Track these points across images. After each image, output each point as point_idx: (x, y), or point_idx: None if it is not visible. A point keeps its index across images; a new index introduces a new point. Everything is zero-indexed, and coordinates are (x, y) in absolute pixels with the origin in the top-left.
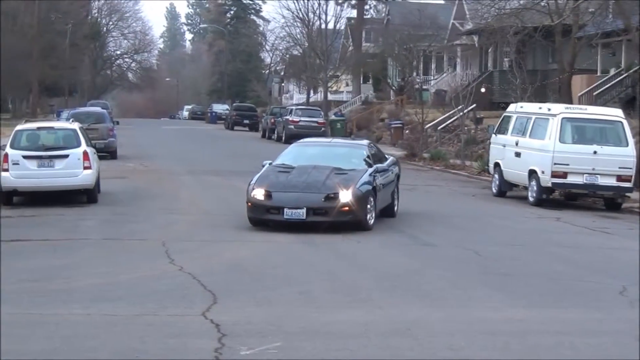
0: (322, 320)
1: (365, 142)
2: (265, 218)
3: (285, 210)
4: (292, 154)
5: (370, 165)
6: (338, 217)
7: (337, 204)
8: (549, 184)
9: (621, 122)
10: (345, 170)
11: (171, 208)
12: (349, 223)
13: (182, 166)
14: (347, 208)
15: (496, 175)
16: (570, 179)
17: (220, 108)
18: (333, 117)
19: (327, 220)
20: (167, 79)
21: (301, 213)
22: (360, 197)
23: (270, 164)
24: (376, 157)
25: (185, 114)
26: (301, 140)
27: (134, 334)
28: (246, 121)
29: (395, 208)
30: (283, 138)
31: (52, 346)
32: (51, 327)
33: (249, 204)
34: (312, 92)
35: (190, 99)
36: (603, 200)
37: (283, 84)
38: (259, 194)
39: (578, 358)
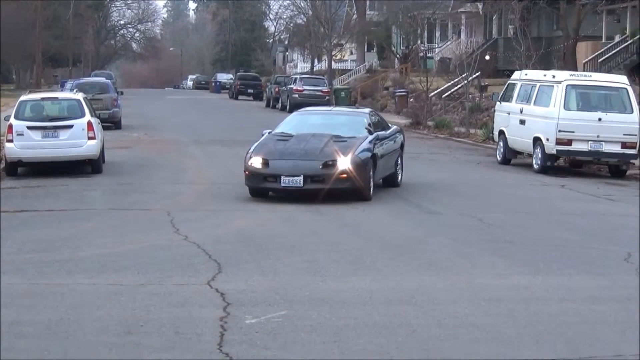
0: (327, 289)
1: (367, 110)
2: (262, 186)
3: (282, 177)
4: (292, 123)
5: (370, 133)
6: (336, 185)
7: (335, 171)
8: (554, 151)
9: (626, 89)
10: (345, 138)
11: (176, 178)
12: (348, 191)
13: (187, 136)
14: (345, 175)
15: (501, 143)
16: (575, 146)
17: (224, 77)
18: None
19: (325, 188)
20: (171, 49)
21: (298, 180)
22: (359, 164)
23: (269, 132)
24: (378, 126)
25: (190, 83)
26: (302, 109)
27: (139, 304)
28: (250, 90)
29: (399, 177)
30: (288, 107)
31: (58, 316)
32: (57, 297)
33: (247, 172)
34: (316, 60)
35: (194, 68)
36: (607, 168)
37: (287, 53)
38: (256, 162)
39: (583, 325)
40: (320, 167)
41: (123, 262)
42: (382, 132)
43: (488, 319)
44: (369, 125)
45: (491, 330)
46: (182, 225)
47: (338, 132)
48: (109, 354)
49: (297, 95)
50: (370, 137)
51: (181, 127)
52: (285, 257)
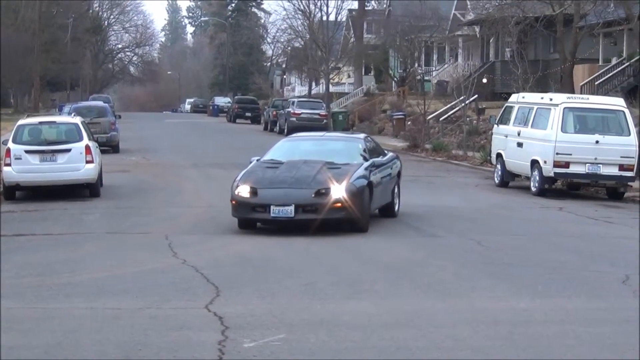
0: (325, 312)
1: (362, 135)
2: (250, 217)
3: (272, 207)
4: (283, 150)
5: (366, 160)
6: (330, 215)
7: (329, 200)
8: (552, 174)
9: (623, 111)
10: (338, 165)
11: (174, 201)
12: (343, 222)
13: (185, 159)
14: (339, 204)
15: (498, 166)
16: (573, 169)
17: (222, 101)
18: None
19: (318, 218)
20: (169, 73)
21: (289, 210)
22: (355, 193)
23: (258, 160)
24: (374, 152)
25: (187, 107)
26: (292, 135)
27: (137, 328)
28: (248, 114)
29: (396, 207)
30: (285, 130)
31: (56, 340)
32: (55, 321)
33: (233, 202)
34: (313, 84)
35: (192, 92)
36: (605, 190)
37: (285, 77)
38: (243, 190)
39: (582, 347)
40: (313, 195)
41: (121, 285)
42: (378, 159)
43: (487, 341)
44: (364, 151)
45: (490, 352)
46: (180, 249)
47: (331, 158)
48: None
49: (294, 119)
50: (366, 164)
51: (179, 150)
52: (284, 280)
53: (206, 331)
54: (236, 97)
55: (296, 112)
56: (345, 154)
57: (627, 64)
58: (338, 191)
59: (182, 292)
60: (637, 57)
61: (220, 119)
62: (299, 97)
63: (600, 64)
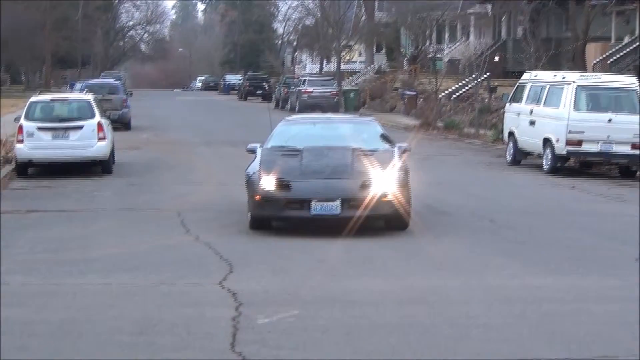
0: (339, 289)
1: (371, 118)
2: (282, 215)
3: (313, 203)
4: (287, 135)
5: (391, 144)
6: (377, 211)
7: (377, 194)
8: (564, 152)
9: (636, 90)
10: (368, 152)
11: (186, 178)
12: (389, 219)
13: (196, 137)
14: (388, 198)
15: (510, 144)
16: (585, 147)
17: (233, 79)
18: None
19: (363, 215)
20: (180, 50)
21: (335, 206)
22: (403, 184)
23: (260, 147)
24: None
25: (198, 84)
26: (290, 118)
27: (151, 304)
28: (259, 91)
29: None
30: (297, 108)
31: (71, 316)
32: (69, 297)
33: (257, 197)
34: (325, 62)
35: (203, 69)
36: (617, 168)
37: (296, 54)
38: (269, 184)
39: (596, 325)
40: (359, 188)
41: (135, 262)
42: (402, 144)
43: (500, 319)
44: (384, 135)
45: (503, 330)
46: (193, 226)
47: (352, 143)
48: (122, 353)
49: (305, 97)
50: (397, 150)
51: (190, 127)
52: (297, 258)
53: (220, 307)
54: (247, 74)
55: (307, 90)
56: (365, 138)
57: None
58: (386, 183)
59: (196, 269)
60: None
61: (231, 96)
62: (310, 75)
63: (612, 42)
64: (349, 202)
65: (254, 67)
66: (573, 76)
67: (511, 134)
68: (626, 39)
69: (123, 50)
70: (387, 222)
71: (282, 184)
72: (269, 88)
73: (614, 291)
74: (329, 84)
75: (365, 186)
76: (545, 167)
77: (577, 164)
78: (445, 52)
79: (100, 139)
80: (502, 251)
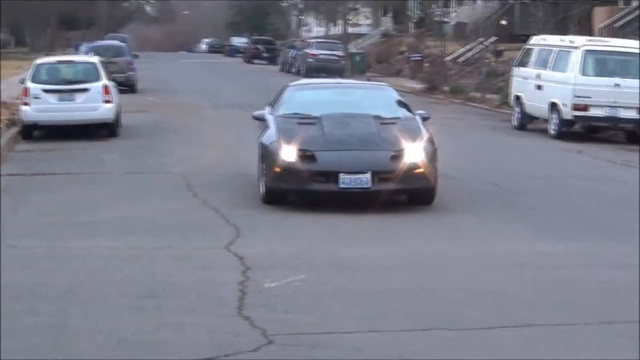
0: (347, 254)
1: (385, 83)
2: (306, 189)
3: (342, 176)
4: (298, 101)
5: (411, 112)
6: (408, 184)
7: (408, 166)
8: (570, 117)
9: None
10: (391, 120)
11: (193, 141)
12: (420, 193)
13: (203, 100)
14: (420, 170)
15: (517, 108)
16: (592, 112)
17: (239, 41)
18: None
19: (396, 189)
20: (185, 12)
21: (365, 180)
22: (432, 156)
23: (271, 114)
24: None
25: (204, 47)
26: (298, 83)
27: (159, 267)
28: (265, 54)
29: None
30: (303, 71)
31: (79, 279)
32: (77, 260)
33: (277, 169)
34: (331, 25)
35: (208, 32)
36: (624, 133)
37: (302, 17)
38: (290, 154)
39: (605, 291)
40: (390, 159)
41: (142, 225)
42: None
43: (510, 285)
44: (401, 102)
45: (513, 295)
46: (200, 189)
47: (371, 110)
48: (131, 316)
49: (312, 60)
50: (419, 119)
51: (196, 90)
52: (305, 223)
53: (227, 271)
54: (253, 37)
55: (314, 53)
56: (382, 105)
57: None
58: (416, 153)
59: (203, 233)
60: None
61: (237, 59)
62: (316, 38)
63: (620, 6)
64: (380, 174)
65: (260, 30)
66: (581, 40)
67: (518, 98)
68: (634, 3)
69: (128, 12)
70: (413, 196)
71: (306, 155)
72: (275, 51)
73: (622, 257)
74: (335, 47)
75: (396, 157)
76: (552, 131)
77: (583, 129)
78: (452, 15)
79: (106, 101)
80: (511, 216)
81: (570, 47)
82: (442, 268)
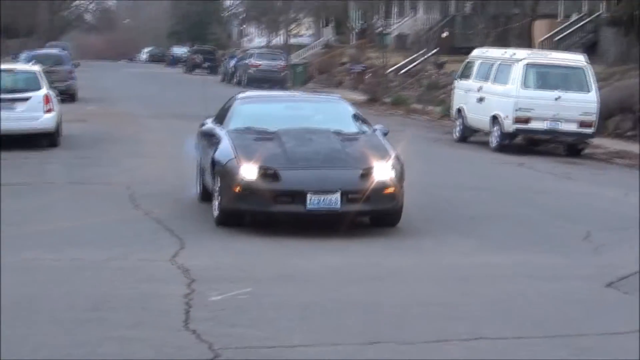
0: (294, 266)
1: (337, 95)
2: (269, 210)
3: (309, 196)
4: (249, 115)
5: (369, 126)
6: (378, 205)
7: (377, 185)
8: (512, 129)
9: (584, 68)
10: (352, 135)
11: (134, 151)
12: (389, 215)
13: (144, 109)
14: (391, 190)
15: (459, 121)
16: (533, 125)
17: (180, 51)
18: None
19: (366, 211)
20: (126, 21)
21: (334, 200)
22: (401, 174)
23: (221, 129)
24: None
25: (145, 56)
26: (246, 95)
27: (104, 279)
28: (206, 64)
29: None
30: (245, 82)
31: (24, 291)
32: (20, 273)
33: (236, 189)
34: (272, 35)
35: (149, 41)
36: (564, 146)
37: (243, 27)
38: (251, 172)
39: (549, 303)
40: (359, 178)
41: (85, 236)
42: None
43: (456, 297)
44: (357, 115)
45: (460, 308)
46: (143, 200)
47: (327, 125)
48: (76, 329)
49: (253, 70)
50: (379, 134)
51: (137, 100)
52: (250, 234)
53: (172, 284)
54: (194, 47)
55: (255, 63)
56: (339, 120)
57: (587, 20)
58: (385, 172)
59: (147, 244)
60: (598, 13)
61: (178, 69)
62: (258, 48)
63: (560, 19)
64: (349, 194)
65: (201, 39)
66: (522, 53)
67: (459, 110)
68: (574, 17)
69: (68, 21)
70: (377, 218)
71: (267, 173)
72: (216, 61)
73: (564, 269)
74: (277, 58)
75: (365, 176)
76: (493, 144)
77: (525, 142)
78: (394, 27)
79: (47, 111)
80: (454, 229)
81: (512, 59)
82: (388, 280)
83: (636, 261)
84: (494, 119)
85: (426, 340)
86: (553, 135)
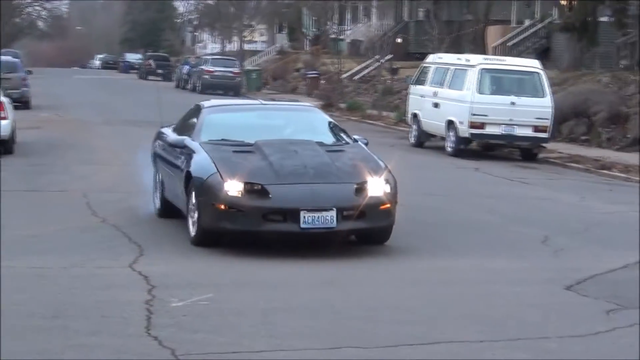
0: (253, 272)
1: (311, 104)
2: (259, 230)
3: (303, 214)
4: (221, 126)
5: (348, 136)
6: (373, 222)
7: (373, 201)
8: (467, 135)
9: (539, 73)
10: (335, 146)
11: (89, 159)
12: (383, 233)
13: (98, 116)
14: (387, 206)
15: (414, 126)
16: (488, 130)
17: (133, 57)
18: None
19: (362, 228)
20: (78, 28)
21: (330, 218)
22: (395, 189)
23: (179, 133)
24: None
25: (97, 63)
26: (213, 104)
27: (63, 287)
28: (160, 71)
29: None
30: (199, 88)
31: None
32: None
33: (221, 206)
34: (226, 41)
35: (102, 48)
36: (519, 151)
37: (197, 34)
38: (236, 188)
39: (507, 306)
40: (354, 193)
41: (43, 244)
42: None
43: (411, 301)
44: (334, 126)
45: (414, 312)
46: (99, 207)
47: (306, 136)
48: (37, 338)
49: (207, 77)
50: (363, 144)
51: (91, 107)
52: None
53: (132, 290)
54: (148, 53)
55: (209, 69)
56: (318, 130)
57: (540, 25)
58: (380, 186)
59: (105, 251)
60: (550, 19)
61: (131, 75)
62: (212, 54)
63: (513, 25)
64: (344, 211)
65: (154, 46)
66: (477, 59)
67: (415, 115)
68: (526, 22)
69: (20, 28)
70: (366, 236)
71: (256, 189)
72: (170, 67)
73: (523, 273)
74: (231, 64)
75: (360, 191)
76: (449, 149)
77: (480, 147)
78: (348, 33)
79: (2, 118)
80: (411, 233)
81: (467, 65)
82: (343, 285)
83: (594, 264)
84: (450, 124)
85: (387, 344)
86: (508, 140)
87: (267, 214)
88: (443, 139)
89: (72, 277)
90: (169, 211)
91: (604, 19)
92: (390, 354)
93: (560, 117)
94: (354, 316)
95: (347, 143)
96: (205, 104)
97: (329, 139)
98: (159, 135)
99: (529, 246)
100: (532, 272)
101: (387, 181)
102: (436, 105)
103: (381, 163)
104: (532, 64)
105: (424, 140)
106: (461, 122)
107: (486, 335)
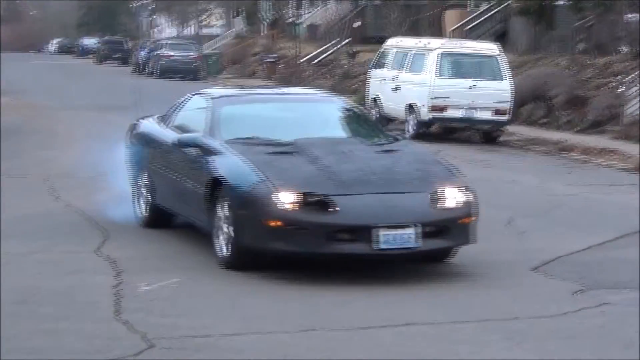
0: (215, 257)
1: (331, 93)
2: (324, 252)
3: (379, 232)
4: (240, 120)
5: (388, 134)
6: (457, 240)
7: (454, 213)
8: (428, 118)
9: (497, 57)
10: (387, 146)
11: (50, 143)
12: (452, 248)
13: (56, 101)
14: (470, 219)
15: (374, 110)
16: (449, 113)
17: (89, 42)
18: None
19: (445, 248)
20: (33, 12)
21: (409, 236)
22: (477, 198)
23: (213, 138)
24: None
25: (53, 47)
26: (223, 94)
27: (29, 272)
28: (117, 55)
29: None
30: (157, 72)
31: None
32: None
33: (273, 223)
34: (183, 26)
35: (58, 32)
36: (480, 134)
37: (153, 18)
38: (293, 201)
39: (475, 288)
40: (430, 204)
41: (6, 230)
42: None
43: (381, 283)
44: (367, 118)
45: (386, 294)
46: (62, 192)
47: (339, 132)
48: (4, 323)
49: (165, 61)
50: (418, 143)
51: (49, 91)
52: (175, 223)
53: (100, 275)
54: (104, 38)
55: (168, 54)
56: (353, 125)
57: (497, 9)
58: (460, 195)
59: (70, 236)
60: (507, 3)
61: (88, 60)
62: (170, 38)
63: (469, 9)
64: (424, 227)
65: (110, 30)
66: (437, 43)
67: (375, 99)
68: (483, 6)
69: None
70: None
71: (317, 202)
72: (127, 52)
73: (488, 255)
74: (189, 48)
75: (436, 202)
76: (409, 132)
77: (441, 130)
78: (305, 17)
79: None
80: None
81: (427, 49)
82: (317, 268)
83: (559, 246)
84: (410, 107)
85: (358, 326)
86: (469, 123)
87: (334, 232)
88: (403, 122)
89: (38, 262)
90: (159, 220)
91: (560, 2)
92: (361, 336)
93: (520, 100)
94: (323, 299)
95: (396, 140)
96: (213, 92)
97: (370, 134)
98: (141, 129)
99: (494, 228)
100: (497, 254)
101: (467, 188)
102: (396, 88)
103: (450, 166)
104: (491, 48)
105: (384, 124)
106: (422, 106)
107: (455, 317)
